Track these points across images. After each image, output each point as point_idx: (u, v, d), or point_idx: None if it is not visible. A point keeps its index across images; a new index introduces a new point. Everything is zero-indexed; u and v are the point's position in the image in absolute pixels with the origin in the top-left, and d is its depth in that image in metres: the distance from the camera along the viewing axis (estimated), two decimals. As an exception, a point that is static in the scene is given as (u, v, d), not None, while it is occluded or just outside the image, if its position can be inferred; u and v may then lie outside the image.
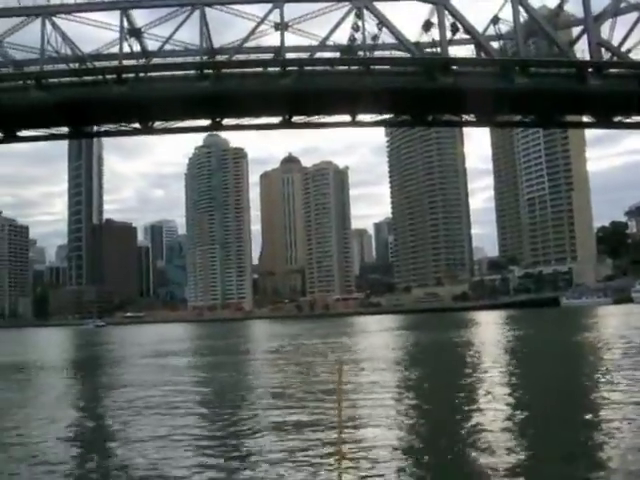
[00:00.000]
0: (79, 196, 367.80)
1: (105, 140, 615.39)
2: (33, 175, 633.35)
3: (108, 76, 67.56)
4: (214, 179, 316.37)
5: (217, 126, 76.60)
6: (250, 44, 67.71)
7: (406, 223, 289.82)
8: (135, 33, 68.46)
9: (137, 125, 77.84)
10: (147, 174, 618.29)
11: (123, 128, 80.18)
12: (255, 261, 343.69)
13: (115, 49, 67.78)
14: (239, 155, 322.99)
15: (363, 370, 33.08)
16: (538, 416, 19.51)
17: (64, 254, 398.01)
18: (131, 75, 67.38)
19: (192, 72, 66.28)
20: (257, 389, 28.61)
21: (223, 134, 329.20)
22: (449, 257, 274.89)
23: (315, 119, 75.47)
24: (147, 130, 79.28)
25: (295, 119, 75.49)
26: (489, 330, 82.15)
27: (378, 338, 71.67)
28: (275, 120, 75.51)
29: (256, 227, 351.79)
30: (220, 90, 65.91)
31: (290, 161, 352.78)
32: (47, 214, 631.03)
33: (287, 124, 75.69)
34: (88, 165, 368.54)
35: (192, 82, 66.34)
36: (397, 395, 24.85)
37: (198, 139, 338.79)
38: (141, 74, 67.78)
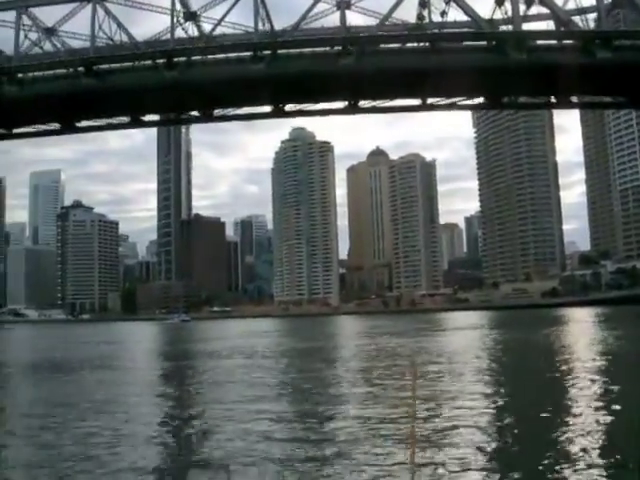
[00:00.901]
0: (168, 192, 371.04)
1: (197, 137, 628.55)
2: (129, 172, 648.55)
3: (159, 61, 64.45)
4: (300, 173, 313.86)
5: (279, 112, 72.63)
6: (310, 24, 63.64)
7: (494, 217, 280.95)
8: (191, 16, 64.92)
9: (195, 113, 75.04)
10: (241, 170, 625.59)
11: (183, 117, 77.56)
12: (342, 256, 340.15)
13: (169, 34, 64.96)
14: (325, 148, 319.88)
15: (447, 375, 30.19)
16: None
17: (155, 249, 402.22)
18: (182, 59, 63.88)
19: (247, 54, 62.34)
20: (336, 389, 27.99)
21: (310, 127, 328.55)
22: (538, 252, 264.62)
23: (382, 103, 70.95)
24: (206, 118, 75.98)
25: (361, 104, 71.18)
26: (582, 329, 75.64)
27: (464, 337, 67.14)
28: (340, 105, 71.17)
29: (343, 221, 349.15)
30: (276, 73, 61.71)
31: (377, 154, 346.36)
32: (142, 210, 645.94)
33: (352, 109, 70.95)
34: (177, 161, 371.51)
35: (247, 65, 62.38)
36: (480, 402, 22.35)
37: (286, 133, 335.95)
38: (195, 57, 64.34)
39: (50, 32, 67.34)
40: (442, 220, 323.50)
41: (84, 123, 78.91)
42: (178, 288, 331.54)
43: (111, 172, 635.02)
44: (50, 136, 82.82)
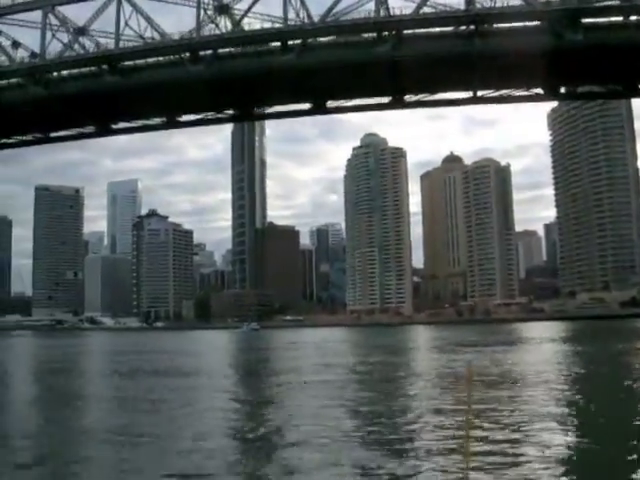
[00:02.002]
0: (242, 200, 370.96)
1: (276, 147, 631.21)
2: (210, 182, 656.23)
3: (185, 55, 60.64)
4: (372, 180, 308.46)
5: (319, 109, 68.24)
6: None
7: (571, 223, 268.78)
8: (222, 9, 60.90)
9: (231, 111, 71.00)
10: (321, 179, 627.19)
11: (220, 116, 73.41)
12: (415, 264, 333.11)
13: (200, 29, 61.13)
14: (398, 154, 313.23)
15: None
16: None
17: (230, 258, 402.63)
18: (209, 52, 59.87)
19: (276, 44, 57.79)
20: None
21: (382, 134, 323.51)
22: (617, 259, 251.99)
23: (429, 97, 65.67)
24: (244, 117, 71.97)
25: (406, 98, 66.08)
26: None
27: (536, 352, 60.58)
28: (383, 100, 66.27)
29: (417, 229, 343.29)
30: (305, 63, 57.04)
31: (452, 160, 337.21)
32: (222, 220, 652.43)
33: (397, 103, 65.94)
34: (250, 170, 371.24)
35: (276, 56, 57.85)
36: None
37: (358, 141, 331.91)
38: (222, 51, 60.26)
39: (77, 31, 64.67)
40: (522, 228, 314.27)
41: (120, 126, 76.71)
42: (251, 297, 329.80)
43: (192, 182, 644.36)
44: (87, 139, 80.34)
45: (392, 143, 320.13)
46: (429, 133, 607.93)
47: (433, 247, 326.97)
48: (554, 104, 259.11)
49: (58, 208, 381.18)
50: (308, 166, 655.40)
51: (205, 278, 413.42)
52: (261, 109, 69.38)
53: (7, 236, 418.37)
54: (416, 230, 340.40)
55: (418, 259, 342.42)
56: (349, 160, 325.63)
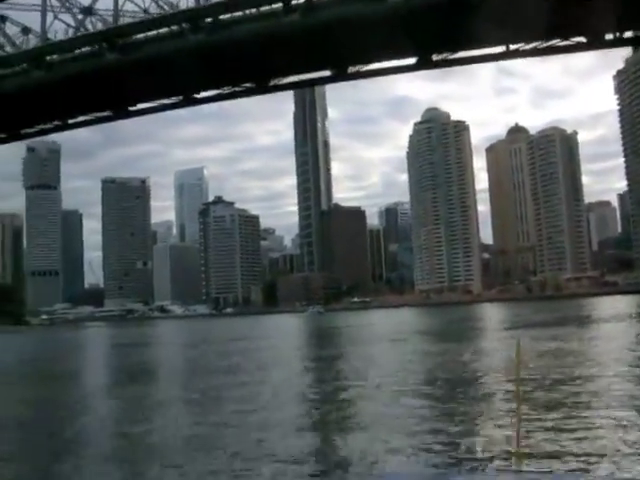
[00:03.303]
0: (307, 183, 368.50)
1: (345, 128, 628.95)
2: (280, 168, 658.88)
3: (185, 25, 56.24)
4: (435, 155, 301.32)
5: (340, 75, 63.17)
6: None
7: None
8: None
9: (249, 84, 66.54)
10: (391, 159, 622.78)
11: (237, 89, 68.93)
12: (484, 239, 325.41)
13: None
14: (460, 128, 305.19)
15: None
16: None
17: (298, 242, 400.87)
18: (209, 20, 55.27)
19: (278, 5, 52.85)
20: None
21: (444, 107, 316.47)
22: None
23: (460, 55, 59.94)
24: (262, 89, 67.29)
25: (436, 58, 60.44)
26: None
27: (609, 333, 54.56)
28: (409, 61, 60.78)
29: (483, 204, 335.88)
30: (311, 23, 52.00)
31: (517, 131, 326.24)
32: (292, 204, 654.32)
33: (425, 64, 60.39)
34: (314, 152, 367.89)
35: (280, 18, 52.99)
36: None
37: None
38: (224, 17, 55.62)
39: (82, 11, 60.89)
40: (595, 199, 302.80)
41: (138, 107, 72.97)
42: (318, 279, 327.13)
43: (262, 168, 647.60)
44: (106, 123, 76.78)
45: (458, 119, 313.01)
46: (497, 108, 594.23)
47: (501, 221, 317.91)
48: (620, 66, 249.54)
49: (125, 199, 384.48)
50: (377, 146, 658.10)
51: (274, 263, 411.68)
52: (277, 80, 64.51)
53: (79, 230, 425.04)
54: (483, 205, 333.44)
55: (488, 235, 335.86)
56: (411, 136, 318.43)
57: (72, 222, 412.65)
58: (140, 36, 58.37)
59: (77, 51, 60.93)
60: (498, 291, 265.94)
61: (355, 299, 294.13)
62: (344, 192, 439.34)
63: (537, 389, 23.73)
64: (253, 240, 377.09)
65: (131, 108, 71.81)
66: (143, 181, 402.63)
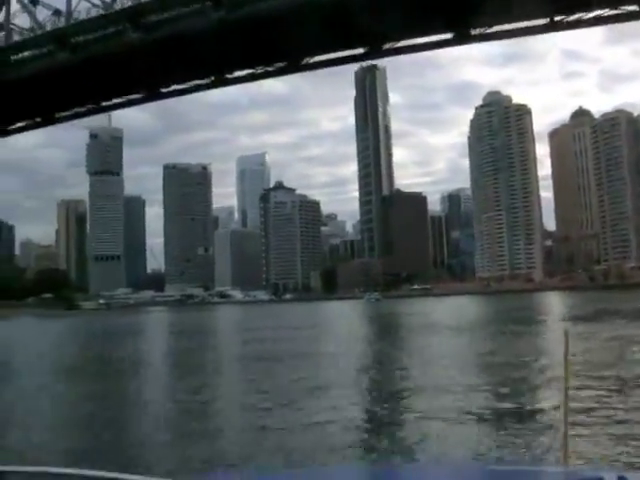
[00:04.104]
0: (368, 168, 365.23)
1: (409, 114, 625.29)
2: (344, 153, 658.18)
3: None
4: (497, 140, 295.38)
5: (373, 52, 60.64)
6: None
7: None
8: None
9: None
10: (456, 144, 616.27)
11: (270, 69, 66.77)
12: (547, 226, 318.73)
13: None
14: (522, 111, 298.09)
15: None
16: None
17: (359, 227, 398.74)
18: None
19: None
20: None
21: (509, 92, 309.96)
22: None
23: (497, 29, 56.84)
24: (296, 68, 65.08)
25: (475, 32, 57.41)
26: None
27: None
28: (445, 36, 57.88)
29: (547, 191, 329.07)
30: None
31: (581, 115, 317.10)
32: (356, 190, 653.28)
33: (462, 39, 57.43)
34: (375, 137, 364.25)
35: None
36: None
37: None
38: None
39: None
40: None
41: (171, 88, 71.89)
42: (378, 266, 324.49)
43: (327, 154, 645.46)
44: (139, 104, 75.76)
45: (520, 102, 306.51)
46: (564, 92, 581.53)
47: (564, 208, 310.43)
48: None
49: (186, 185, 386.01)
50: (443, 132, 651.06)
51: (335, 249, 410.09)
52: (309, 59, 62.27)
53: (141, 215, 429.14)
54: (546, 191, 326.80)
55: (551, 222, 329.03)
56: (472, 121, 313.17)
57: (135, 208, 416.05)
58: (163, 15, 56.90)
59: (101, 32, 59.76)
60: (560, 279, 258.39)
61: (415, 286, 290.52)
62: (410, 178, 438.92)
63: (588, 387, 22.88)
64: (314, 226, 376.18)
65: (163, 90, 70.74)
66: (204, 167, 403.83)
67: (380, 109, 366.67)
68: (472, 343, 44.81)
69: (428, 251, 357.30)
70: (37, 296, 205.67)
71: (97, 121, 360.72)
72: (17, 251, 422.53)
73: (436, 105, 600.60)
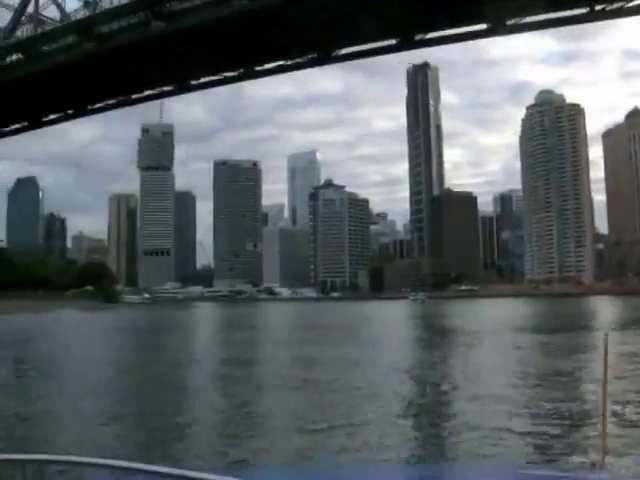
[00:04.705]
0: (419, 167, 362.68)
1: (462, 113, 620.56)
2: (398, 152, 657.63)
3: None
4: (548, 140, 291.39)
5: (406, 44, 59.29)
6: None
7: None
8: None
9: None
10: (511, 145, 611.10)
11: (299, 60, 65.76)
12: (599, 229, 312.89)
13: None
14: (575, 112, 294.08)
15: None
16: None
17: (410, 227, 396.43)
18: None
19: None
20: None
21: (565, 92, 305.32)
22: None
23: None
24: (323, 59, 63.99)
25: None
26: None
27: None
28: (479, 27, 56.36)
29: (601, 194, 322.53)
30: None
31: (636, 115, 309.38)
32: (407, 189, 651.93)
33: (497, 30, 55.88)
34: (426, 136, 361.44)
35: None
36: None
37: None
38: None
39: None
40: None
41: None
42: (426, 266, 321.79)
43: (380, 153, 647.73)
44: (170, 97, 75.62)
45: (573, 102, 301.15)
46: (622, 93, 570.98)
47: (617, 211, 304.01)
48: None
49: (237, 181, 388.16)
50: (498, 132, 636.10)
51: (384, 247, 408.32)
52: (340, 50, 61.24)
53: (192, 211, 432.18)
54: (599, 194, 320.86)
55: (603, 225, 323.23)
56: (523, 120, 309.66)
57: (185, 203, 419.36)
58: (186, 4, 56.22)
59: (125, 21, 59.32)
60: (611, 284, 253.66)
61: (462, 287, 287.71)
62: (464, 179, 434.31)
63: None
64: (362, 224, 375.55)
65: (193, 82, 70.36)
66: (255, 163, 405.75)
67: (431, 108, 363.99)
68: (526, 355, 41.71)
69: (478, 252, 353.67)
70: (80, 289, 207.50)
71: (150, 117, 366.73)
72: (69, 244, 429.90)
73: (491, 104, 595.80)
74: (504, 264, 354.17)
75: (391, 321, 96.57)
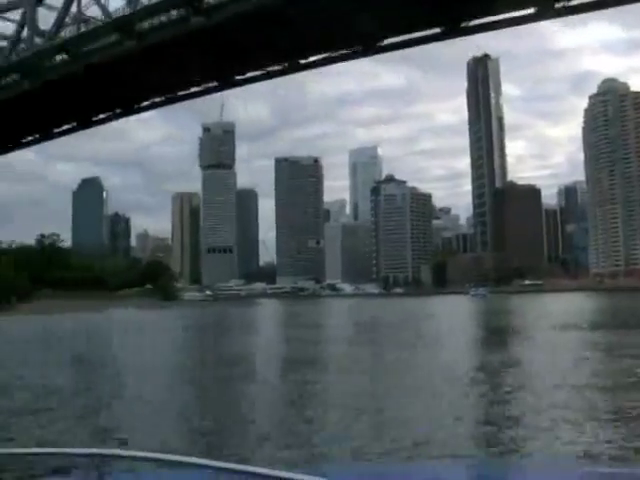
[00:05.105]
0: (480, 160, 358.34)
1: (526, 105, 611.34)
2: (462, 146, 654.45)
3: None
4: (612, 130, 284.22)
5: (451, 32, 58.35)
6: None
7: None
8: None
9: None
10: (576, 137, 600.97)
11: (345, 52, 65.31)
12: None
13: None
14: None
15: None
16: None
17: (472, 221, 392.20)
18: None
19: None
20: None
21: (622, 77, 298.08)
22: None
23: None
24: (369, 50, 63.44)
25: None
26: None
27: None
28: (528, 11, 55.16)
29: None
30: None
31: None
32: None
33: (559, 10, 54.47)
34: (487, 128, 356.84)
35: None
36: None
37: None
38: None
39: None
40: None
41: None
42: (488, 260, 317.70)
43: (443, 147, 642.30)
44: (214, 93, 75.74)
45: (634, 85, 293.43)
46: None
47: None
48: None
49: (298, 178, 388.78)
50: (562, 123, 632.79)
51: (447, 242, 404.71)
52: (384, 41, 60.72)
53: (254, 208, 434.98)
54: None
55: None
56: (586, 110, 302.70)
57: (247, 201, 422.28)
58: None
59: (165, 19, 59.69)
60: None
61: (526, 281, 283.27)
62: (528, 171, 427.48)
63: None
64: (425, 219, 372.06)
65: (238, 77, 70.23)
66: (316, 160, 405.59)
67: (492, 100, 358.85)
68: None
69: (542, 245, 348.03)
70: (140, 287, 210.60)
71: (211, 116, 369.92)
72: (134, 243, 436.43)
73: (555, 96, 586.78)
74: (569, 258, 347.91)
75: (454, 317, 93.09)
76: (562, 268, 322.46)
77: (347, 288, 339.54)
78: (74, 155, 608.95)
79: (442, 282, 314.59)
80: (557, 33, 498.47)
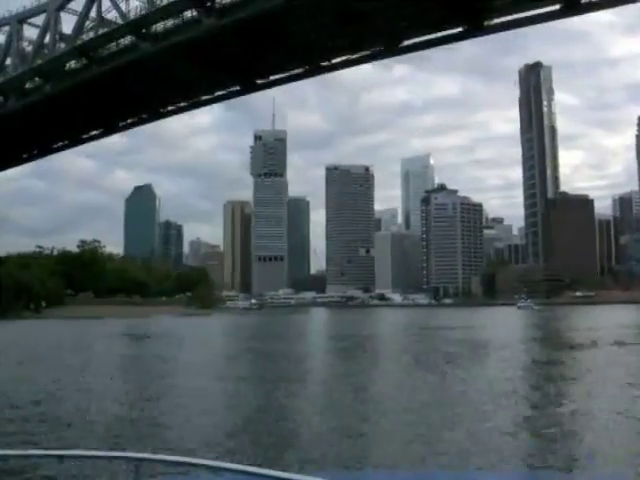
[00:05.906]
0: (532, 169, 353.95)
1: (583, 115, 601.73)
2: (516, 156, 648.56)
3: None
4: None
5: (474, 30, 57.99)
6: None
7: None
8: None
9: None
10: (632, 146, 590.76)
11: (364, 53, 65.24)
12: None
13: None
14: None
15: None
16: None
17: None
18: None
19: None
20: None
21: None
22: None
23: None
24: (387, 52, 63.39)
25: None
26: None
27: None
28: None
29: None
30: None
31: None
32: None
33: (573, 8, 53.98)
34: (540, 137, 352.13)
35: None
36: None
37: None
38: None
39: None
40: None
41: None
42: (538, 271, 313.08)
43: (498, 157, 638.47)
44: (236, 97, 75.79)
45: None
46: None
47: None
48: None
49: (349, 186, 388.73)
50: (620, 133, 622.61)
51: (499, 253, 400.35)
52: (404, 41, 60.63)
53: (305, 216, 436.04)
54: None
55: None
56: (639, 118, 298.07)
57: (299, 209, 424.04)
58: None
59: (178, 20, 60.09)
60: None
61: (577, 293, 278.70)
62: (586, 181, 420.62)
63: None
64: (475, 229, 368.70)
65: (259, 81, 70.47)
66: (367, 168, 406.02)
67: (545, 109, 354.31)
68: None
69: (594, 256, 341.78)
70: (182, 294, 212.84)
71: (263, 125, 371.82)
72: (187, 250, 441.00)
73: (612, 105, 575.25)
74: (622, 269, 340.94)
75: (504, 330, 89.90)
76: (614, 279, 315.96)
77: (396, 298, 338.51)
78: (127, 163, 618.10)
79: (492, 293, 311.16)
80: (613, 42, 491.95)
